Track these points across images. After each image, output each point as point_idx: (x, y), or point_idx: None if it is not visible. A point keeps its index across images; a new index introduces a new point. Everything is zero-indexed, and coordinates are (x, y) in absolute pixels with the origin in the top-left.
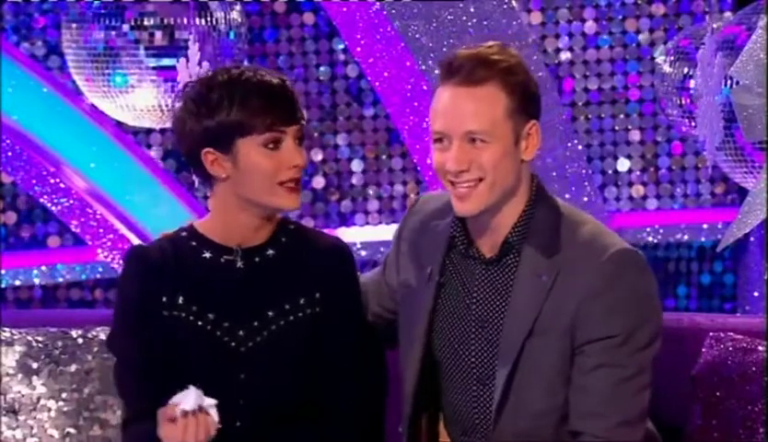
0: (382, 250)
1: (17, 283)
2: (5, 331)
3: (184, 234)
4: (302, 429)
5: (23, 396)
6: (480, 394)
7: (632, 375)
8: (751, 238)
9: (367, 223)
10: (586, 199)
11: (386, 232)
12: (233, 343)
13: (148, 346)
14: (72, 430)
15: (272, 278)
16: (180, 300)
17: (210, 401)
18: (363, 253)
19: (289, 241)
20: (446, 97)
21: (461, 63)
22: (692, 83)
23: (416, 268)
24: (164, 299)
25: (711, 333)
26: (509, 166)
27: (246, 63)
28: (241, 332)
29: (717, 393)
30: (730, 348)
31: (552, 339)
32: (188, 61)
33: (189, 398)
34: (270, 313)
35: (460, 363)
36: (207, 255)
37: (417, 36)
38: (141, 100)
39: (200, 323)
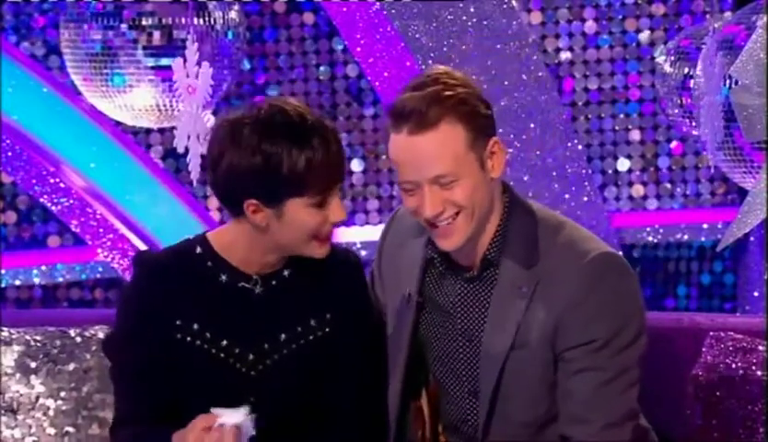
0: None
1: (17, 282)
2: (3, 331)
3: (199, 251)
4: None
5: (21, 395)
6: (473, 406)
7: (613, 376)
8: (751, 238)
9: (367, 222)
10: (586, 199)
11: None
12: (243, 369)
13: (148, 354)
14: (70, 429)
15: (286, 300)
16: (195, 326)
17: (251, 430)
18: (363, 253)
19: (302, 259)
20: (404, 146)
21: (412, 107)
22: (692, 83)
23: (396, 289)
24: (178, 322)
25: (711, 333)
26: (483, 192)
27: (245, 62)
28: (251, 357)
29: (717, 393)
30: (730, 348)
31: (535, 349)
32: (185, 60)
33: (234, 416)
34: (282, 336)
35: (452, 377)
36: (224, 278)
37: (417, 36)
38: (139, 100)
39: (213, 351)
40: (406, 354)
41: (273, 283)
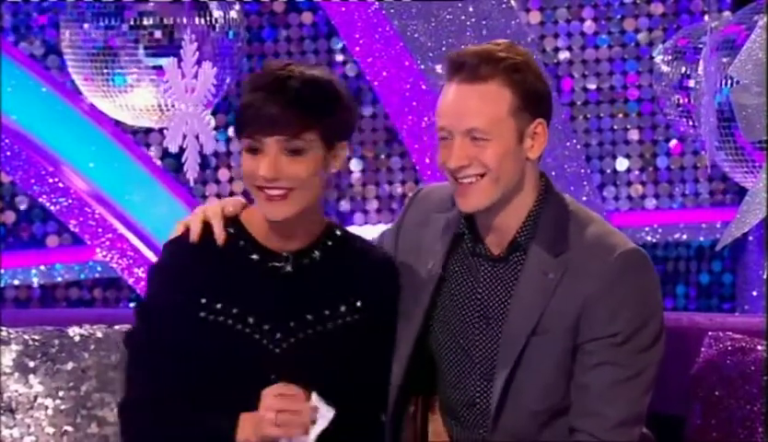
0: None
1: (16, 282)
2: (1, 331)
3: (232, 231)
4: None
5: (20, 394)
6: (484, 389)
7: (633, 375)
8: (750, 238)
9: (366, 222)
10: (584, 198)
11: None
12: (270, 346)
13: (171, 331)
14: (69, 428)
15: (315, 282)
16: (219, 306)
17: (324, 423)
18: None
19: (335, 246)
20: (449, 94)
21: (466, 59)
22: (690, 82)
23: (417, 262)
24: (203, 301)
25: (710, 333)
26: (512, 163)
27: (245, 62)
28: (278, 334)
29: (716, 392)
30: (729, 347)
31: (556, 338)
32: (180, 61)
33: (322, 402)
34: (309, 316)
35: (465, 358)
36: (255, 257)
37: (416, 35)
38: (140, 100)
39: (239, 327)
40: (419, 327)
41: (305, 262)
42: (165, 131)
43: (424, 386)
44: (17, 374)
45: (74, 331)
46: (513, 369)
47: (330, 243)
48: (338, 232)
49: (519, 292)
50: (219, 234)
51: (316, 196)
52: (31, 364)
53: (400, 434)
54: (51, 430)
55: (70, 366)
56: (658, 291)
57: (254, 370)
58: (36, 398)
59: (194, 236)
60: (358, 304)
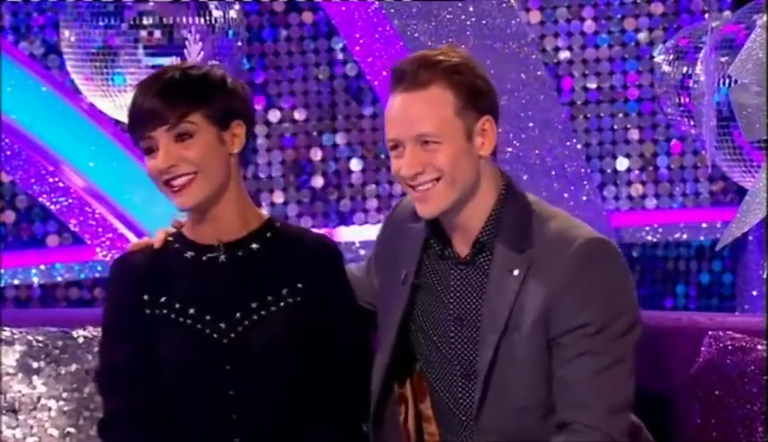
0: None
1: (16, 282)
2: (5, 331)
3: (171, 239)
4: (303, 417)
5: (23, 395)
6: (465, 389)
7: (612, 362)
8: (750, 238)
9: (366, 222)
10: (585, 198)
11: None
12: (215, 335)
13: (135, 348)
14: (72, 430)
15: (255, 270)
16: (163, 299)
17: None
18: (362, 252)
19: (274, 237)
20: (394, 104)
21: (405, 68)
22: (691, 82)
23: (392, 271)
24: (146, 297)
25: (710, 332)
26: (465, 163)
27: (245, 62)
28: (223, 325)
29: (716, 392)
30: (729, 347)
31: (527, 334)
32: (183, 60)
33: None
34: (253, 304)
35: (444, 359)
36: (189, 255)
37: (416, 35)
38: None
39: (181, 319)
40: (395, 335)
41: (240, 253)
42: None
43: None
44: (20, 375)
45: (77, 333)
46: (491, 369)
47: (269, 235)
48: (278, 225)
49: (488, 293)
50: (158, 238)
51: (221, 179)
52: (35, 365)
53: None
54: (54, 431)
55: (74, 367)
56: (626, 276)
57: (207, 363)
58: (39, 399)
59: (139, 246)
60: (299, 286)
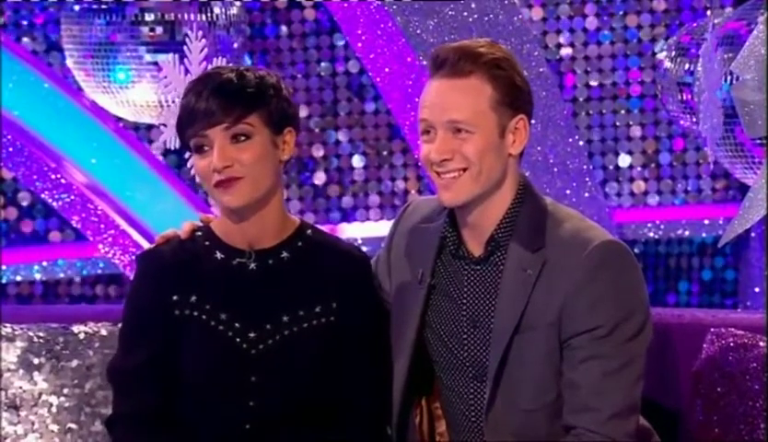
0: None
1: (18, 278)
2: (6, 327)
3: (200, 234)
4: (312, 433)
5: (24, 391)
6: (476, 391)
7: (620, 366)
8: (752, 234)
9: (368, 218)
10: (587, 194)
11: (387, 228)
12: (244, 345)
13: (156, 350)
14: (73, 426)
15: (286, 281)
16: (193, 299)
17: None
18: (364, 249)
19: (305, 246)
20: (431, 89)
21: (447, 55)
22: (693, 78)
23: (408, 271)
24: (175, 298)
25: (712, 329)
26: (494, 158)
27: (247, 59)
28: (252, 334)
29: (718, 389)
30: (731, 344)
31: (540, 334)
32: (183, 57)
33: None
34: (284, 318)
35: (456, 361)
36: (219, 256)
37: (418, 32)
38: (140, 96)
39: (212, 323)
40: (414, 335)
41: (270, 262)
42: (163, 127)
43: (426, 393)
44: (21, 371)
45: (78, 329)
46: (501, 368)
47: (300, 244)
48: (309, 232)
49: (502, 292)
50: (185, 230)
51: (269, 185)
52: (36, 361)
53: None
54: (55, 427)
55: (75, 363)
56: (639, 280)
57: (233, 371)
58: (40, 395)
59: (167, 237)
60: (334, 305)
